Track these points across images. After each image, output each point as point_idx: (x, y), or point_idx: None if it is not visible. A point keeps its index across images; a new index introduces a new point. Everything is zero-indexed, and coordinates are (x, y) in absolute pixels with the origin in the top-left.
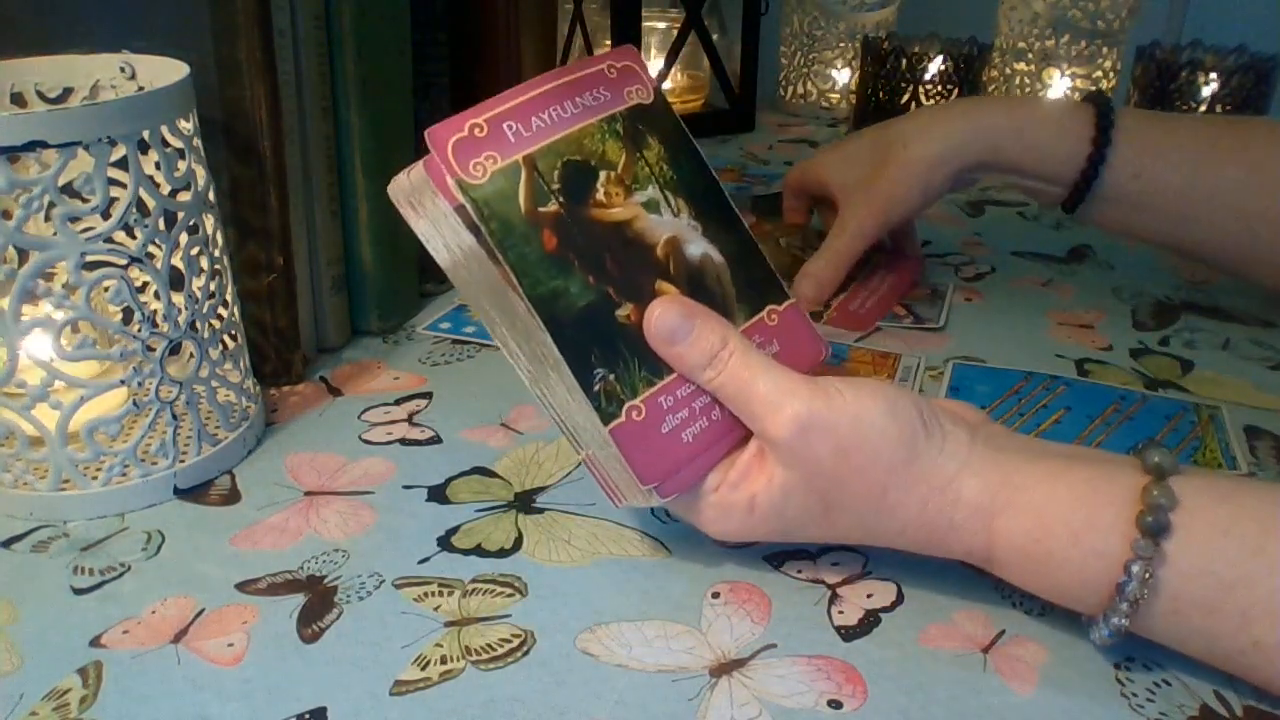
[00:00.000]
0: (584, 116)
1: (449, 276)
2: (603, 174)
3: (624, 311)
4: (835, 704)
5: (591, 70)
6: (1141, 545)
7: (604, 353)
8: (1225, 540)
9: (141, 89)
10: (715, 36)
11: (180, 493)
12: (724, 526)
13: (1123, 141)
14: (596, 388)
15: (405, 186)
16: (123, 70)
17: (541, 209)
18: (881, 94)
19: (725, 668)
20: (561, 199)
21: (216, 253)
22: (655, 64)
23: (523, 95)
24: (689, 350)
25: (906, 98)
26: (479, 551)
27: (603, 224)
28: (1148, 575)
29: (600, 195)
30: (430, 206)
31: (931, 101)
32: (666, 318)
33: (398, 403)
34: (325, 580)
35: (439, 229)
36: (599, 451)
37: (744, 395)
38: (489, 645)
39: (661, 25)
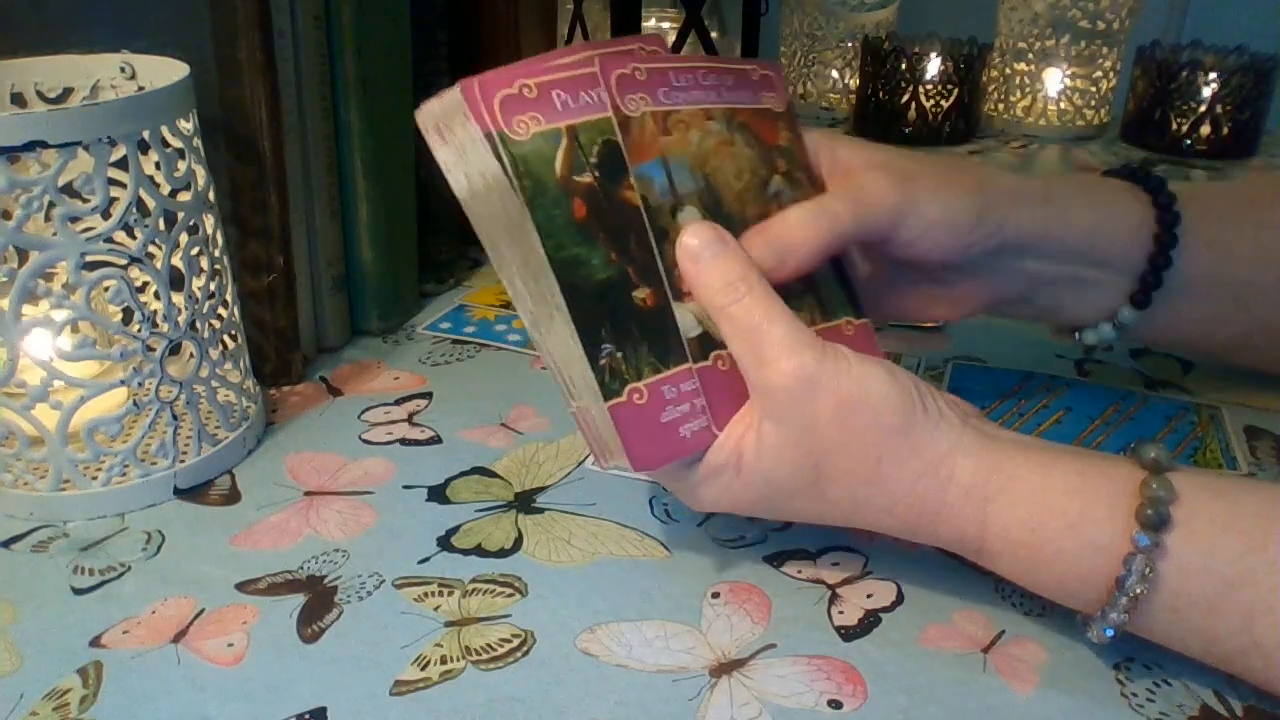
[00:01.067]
0: None
1: (464, 208)
2: None
3: (641, 294)
4: (835, 704)
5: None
6: (1142, 539)
7: (614, 329)
8: (1225, 536)
9: (141, 89)
10: (715, 36)
11: (180, 493)
12: (708, 493)
13: (1186, 209)
14: (602, 361)
15: (435, 110)
16: (123, 70)
17: (576, 178)
18: (881, 94)
19: (725, 668)
20: (598, 173)
21: (216, 253)
22: None
23: (571, 70)
24: (711, 265)
25: (906, 98)
26: (479, 551)
27: (634, 207)
28: (1148, 570)
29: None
30: (459, 131)
31: (931, 102)
32: (700, 232)
33: (398, 403)
34: (325, 580)
35: (464, 156)
36: (592, 405)
37: (756, 333)
38: (489, 645)
39: (662, 25)
